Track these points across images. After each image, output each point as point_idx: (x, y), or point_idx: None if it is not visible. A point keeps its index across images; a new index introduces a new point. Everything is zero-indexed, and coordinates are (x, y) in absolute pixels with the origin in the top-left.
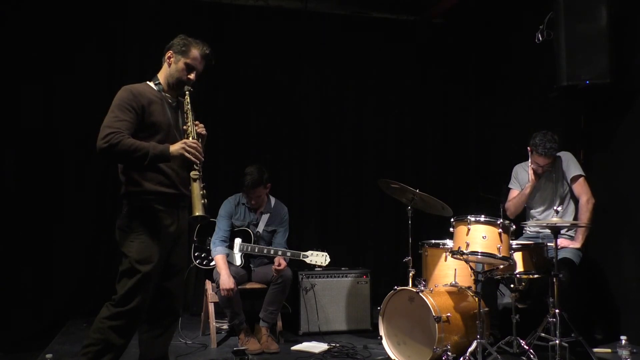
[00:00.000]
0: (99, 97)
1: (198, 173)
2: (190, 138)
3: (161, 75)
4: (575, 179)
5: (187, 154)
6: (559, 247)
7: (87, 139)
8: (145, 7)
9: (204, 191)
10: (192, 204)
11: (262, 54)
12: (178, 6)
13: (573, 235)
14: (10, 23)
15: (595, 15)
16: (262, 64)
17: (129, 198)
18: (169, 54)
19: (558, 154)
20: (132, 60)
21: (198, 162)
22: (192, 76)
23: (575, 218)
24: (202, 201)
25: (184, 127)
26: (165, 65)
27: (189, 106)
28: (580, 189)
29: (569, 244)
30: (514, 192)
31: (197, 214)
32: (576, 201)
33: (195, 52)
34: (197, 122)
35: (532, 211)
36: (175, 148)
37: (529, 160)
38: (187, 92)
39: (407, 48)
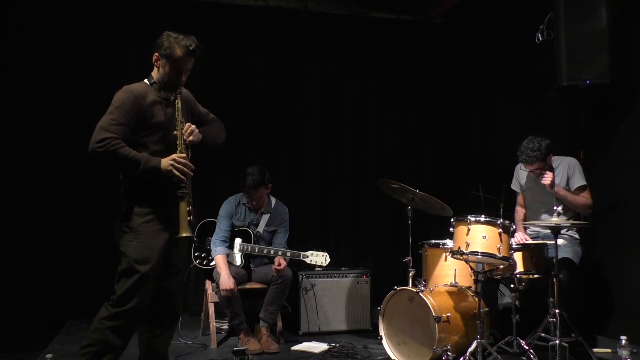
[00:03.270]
0: (99, 97)
1: (185, 191)
2: (178, 150)
3: (154, 76)
4: (580, 189)
5: (175, 171)
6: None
7: (87, 139)
8: (146, 7)
9: (191, 207)
10: (179, 223)
11: (262, 54)
12: (178, 6)
13: (573, 235)
14: (11, 23)
15: (595, 15)
16: (262, 64)
17: (129, 198)
18: (156, 57)
19: (565, 159)
20: (133, 60)
21: (185, 179)
22: (182, 78)
23: (576, 219)
24: (188, 218)
25: (174, 132)
26: (155, 68)
27: (179, 113)
28: (584, 196)
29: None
30: (520, 197)
31: (183, 234)
32: None
33: (178, 52)
34: (186, 128)
35: (531, 212)
36: (164, 165)
37: None
38: (177, 96)
39: (407, 48)
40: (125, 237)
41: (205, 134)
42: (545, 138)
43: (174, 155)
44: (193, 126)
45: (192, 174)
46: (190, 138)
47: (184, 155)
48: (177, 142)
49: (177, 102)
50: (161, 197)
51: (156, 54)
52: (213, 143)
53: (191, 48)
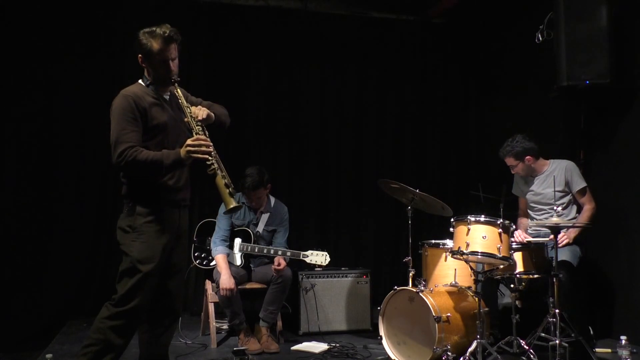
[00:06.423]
0: (100, 97)
1: (214, 166)
2: (194, 134)
3: (148, 75)
4: (582, 191)
5: (194, 155)
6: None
7: (87, 139)
8: (145, 7)
9: (227, 180)
10: (222, 198)
11: (262, 54)
12: (178, 6)
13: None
14: (10, 22)
15: (595, 15)
16: (261, 64)
17: (130, 198)
18: (140, 58)
19: (561, 162)
20: (132, 60)
21: (208, 156)
22: (171, 68)
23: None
24: (228, 190)
25: (185, 119)
26: (145, 69)
27: (182, 99)
28: (586, 199)
29: (562, 236)
30: (522, 203)
31: (231, 206)
32: (578, 205)
33: (156, 44)
34: (194, 109)
35: (532, 213)
36: (183, 154)
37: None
38: (175, 85)
39: (407, 48)
40: (128, 237)
41: (215, 113)
42: (530, 140)
43: (187, 141)
44: (199, 107)
45: (212, 149)
46: (201, 115)
47: (196, 136)
48: (191, 127)
49: (177, 90)
50: (163, 196)
51: (139, 55)
52: (224, 119)
53: (167, 35)
